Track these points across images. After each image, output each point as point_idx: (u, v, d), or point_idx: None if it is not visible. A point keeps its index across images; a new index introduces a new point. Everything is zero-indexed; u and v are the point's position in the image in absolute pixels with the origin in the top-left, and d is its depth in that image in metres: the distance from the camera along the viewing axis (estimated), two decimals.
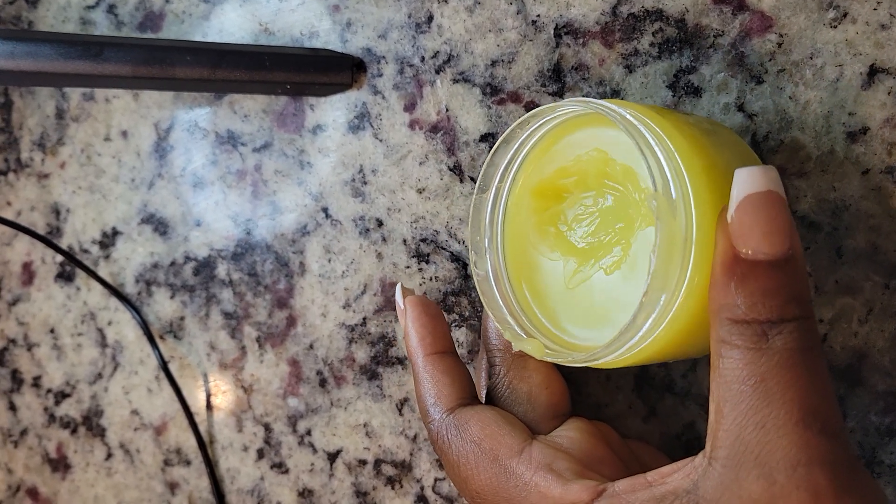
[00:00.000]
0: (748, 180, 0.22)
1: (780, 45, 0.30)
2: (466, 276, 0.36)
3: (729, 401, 0.21)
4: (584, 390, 0.34)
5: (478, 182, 0.29)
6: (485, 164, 0.29)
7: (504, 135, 0.28)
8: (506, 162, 0.29)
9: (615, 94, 0.32)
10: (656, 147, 0.24)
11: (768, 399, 0.21)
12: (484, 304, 0.29)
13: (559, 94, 0.33)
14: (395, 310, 0.37)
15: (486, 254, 0.30)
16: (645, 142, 0.24)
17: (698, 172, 0.23)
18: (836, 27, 0.29)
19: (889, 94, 0.29)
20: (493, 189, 0.29)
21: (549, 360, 0.28)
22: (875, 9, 0.28)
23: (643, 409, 0.33)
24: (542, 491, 0.25)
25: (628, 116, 0.25)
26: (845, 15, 0.29)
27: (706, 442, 0.23)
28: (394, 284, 0.37)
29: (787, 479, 0.20)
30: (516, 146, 0.29)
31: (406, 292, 0.32)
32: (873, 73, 0.29)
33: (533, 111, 0.27)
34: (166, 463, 0.43)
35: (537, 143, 0.29)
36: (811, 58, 0.29)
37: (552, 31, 0.33)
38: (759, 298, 0.21)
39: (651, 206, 0.23)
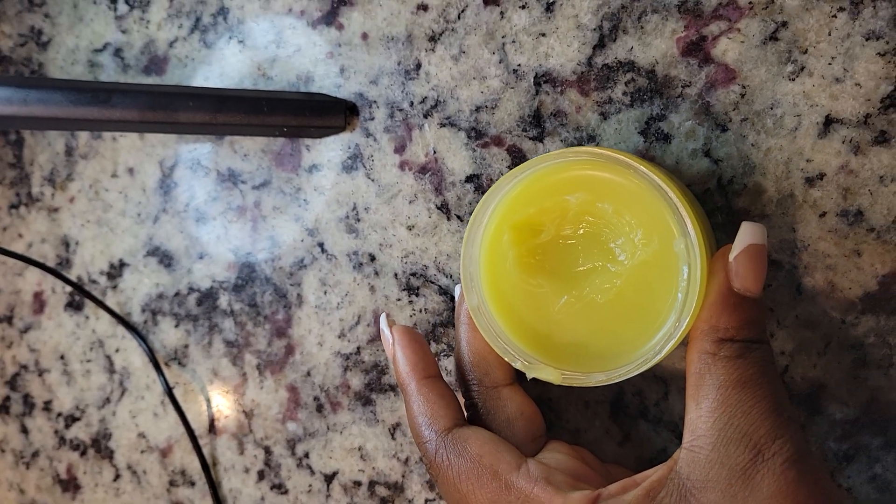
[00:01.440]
0: (751, 233, 0.28)
1: (742, 95, 0.32)
2: (454, 308, 0.38)
3: (716, 398, 0.26)
4: (563, 416, 0.36)
5: (475, 214, 0.31)
6: (487, 193, 0.31)
7: (512, 171, 0.30)
8: (500, 196, 0.31)
9: (591, 139, 0.34)
10: (673, 198, 0.28)
11: (752, 394, 0.26)
12: (487, 339, 0.31)
13: (539, 139, 0.35)
14: None
15: (474, 287, 0.32)
16: (665, 195, 0.28)
17: (693, 218, 0.28)
18: (794, 80, 0.31)
19: (843, 142, 0.31)
20: (485, 222, 0.31)
21: (566, 384, 0.30)
22: (830, 63, 0.31)
23: (618, 434, 0.35)
24: (543, 502, 0.28)
25: (649, 173, 0.28)
26: (802, 69, 0.31)
27: (684, 436, 0.27)
28: (387, 316, 0.39)
29: (769, 448, 0.25)
30: (513, 182, 0.31)
31: (390, 322, 0.34)
32: (829, 122, 0.31)
33: (549, 153, 0.30)
34: (171, 484, 0.45)
35: (521, 181, 0.31)
36: (772, 108, 0.32)
37: (532, 80, 0.35)
38: (745, 324, 0.27)
39: (678, 247, 0.28)
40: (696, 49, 0.32)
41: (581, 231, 0.31)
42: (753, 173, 0.32)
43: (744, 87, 0.32)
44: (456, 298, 0.34)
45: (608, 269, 0.30)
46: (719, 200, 0.33)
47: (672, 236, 0.29)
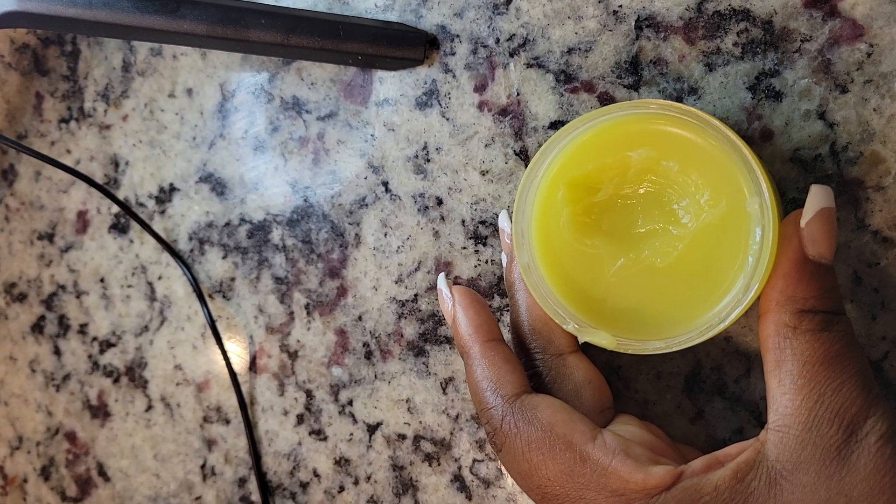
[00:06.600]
0: (822, 195, 0.26)
1: (869, 55, 0.29)
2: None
3: (802, 375, 0.25)
4: (632, 386, 0.34)
5: (530, 167, 0.29)
6: (545, 145, 0.29)
7: (572, 122, 0.29)
8: (557, 149, 0.29)
9: (692, 91, 0.32)
10: (748, 155, 0.26)
11: (841, 371, 0.25)
12: (537, 299, 0.29)
13: (635, 88, 0.33)
14: None
15: (525, 245, 0.30)
16: (739, 152, 0.26)
17: (766, 179, 0.26)
18: None
19: None
20: (540, 177, 0.30)
21: (620, 350, 0.28)
22: None
23: (691, 410, 0.33)
24: (622, 476, 0.26)
25: (723, 128, 0.26)
26: None
27: (769, 416, 0.25)
28: (449, 264, 0.37)
29: (861, 427, 0.24)
30: (572, 135, 0.29)
31: (449, 282, 0.32)
32: None
33: (613, 104, 0.28)
34: (206, 420, 0.44)
35: (580, 134, 0.29)
36: None
37: (633, 23, 0.33)
38: (824, 293, 0.25)
39: (751, 208, 0.26)
40: (822, 1, 0.30)
41: (642, 190, 0.29)
42: (872, 141, 0.29)
43: (871, 45, 0.29)
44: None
45: (670, 231, 0.29)
46: (830, 168, 0.30)
47: (743, 197, 0.27)
